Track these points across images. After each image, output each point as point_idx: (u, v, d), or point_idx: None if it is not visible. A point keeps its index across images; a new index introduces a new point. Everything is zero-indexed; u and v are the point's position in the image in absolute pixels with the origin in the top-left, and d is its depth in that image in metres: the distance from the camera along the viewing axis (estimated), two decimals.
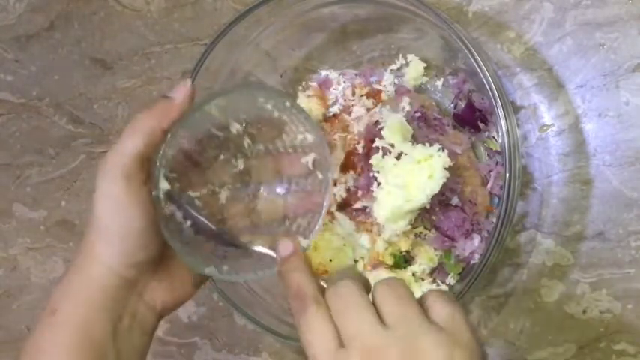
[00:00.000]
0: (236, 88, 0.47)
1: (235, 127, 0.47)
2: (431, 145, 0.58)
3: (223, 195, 0.48)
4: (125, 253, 0.44)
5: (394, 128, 0.60)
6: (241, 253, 0.48)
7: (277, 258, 0.45)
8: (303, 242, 0.47)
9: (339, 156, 0.67)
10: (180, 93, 0.45)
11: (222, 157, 0.48)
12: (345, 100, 0.69)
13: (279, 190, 0.50)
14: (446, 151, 0.57)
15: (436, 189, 0.56)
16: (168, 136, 0.43)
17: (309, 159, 0.49)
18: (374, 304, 0.40)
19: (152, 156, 0.44)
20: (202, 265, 0.46)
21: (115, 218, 0.44)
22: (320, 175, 0.48)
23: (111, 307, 0.45)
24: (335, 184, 0.67)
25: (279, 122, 0.48)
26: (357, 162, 0.64)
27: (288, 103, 0.47)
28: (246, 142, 0.48)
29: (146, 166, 0.44)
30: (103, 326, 0.44)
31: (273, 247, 0.46)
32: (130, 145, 0.43)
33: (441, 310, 0.39)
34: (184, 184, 0.46)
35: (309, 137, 0.48)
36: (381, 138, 0.61)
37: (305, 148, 0.49)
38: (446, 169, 0.56)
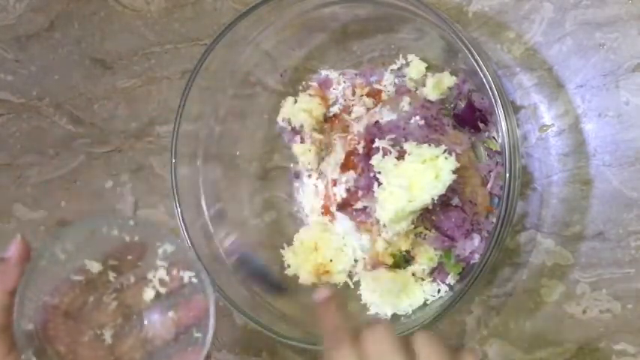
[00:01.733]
0: (69, 227, 0.45)
1: (95, 267, 0.46)
2: (436, 145, 0.58)
3: (107, 335, 0.47)
4: None
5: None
6: None
7: (315, 302, 0.46)
8: (203, 350, 0.46)
9: (339, 156, 0.67)
10: (14, 251, 0.44)
11: (91, 298, 0.47)
12: (345, 100, 0.69)
13: (163, 307, 0.48)
14: (453, 153, 0.57)
15: (442, 190, 0.56)
16: (17, 298, 0.42)
17: (178, 270, 0.48)
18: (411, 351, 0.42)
19: (8, 323, 0.42)
20: None
21: None
22: (195, 280, 0.47)
23: None
24: (335, 184, 0.67)
25: (137, 245, 0.47)
26: (357, 162, 0.64)
27: (132, 222, 0.46)
28: (112, 275, 0.47)
29: (6, 334, 0.42)
30: None
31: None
32: None
33: None
34: (60, 339, 0.45)
35: (168, 247, 0.47)
36: (381, 138, 0.61)
37: (170, 258, 0.48)
38: (453, 171, 0.56)
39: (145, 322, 0.48)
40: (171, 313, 0.48)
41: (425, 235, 0.62)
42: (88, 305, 0.47)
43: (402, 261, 0.64)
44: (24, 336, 0.43)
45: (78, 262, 0.46)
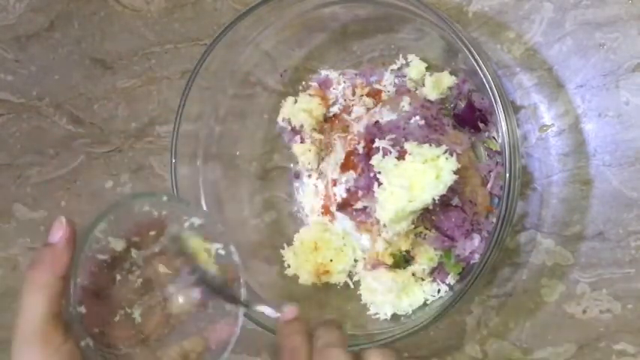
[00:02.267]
0: (112, 207, 0.45)
1: (119, 244, 0.46)
2: (437, 145, 0.58)
3: (136, 313, 0.47)
4: None
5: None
6: None
7: (280, 320, 0.46)
8: (241, 312, 0.47)
9: (339, 156, 0.67)
10: (59, 235, 0.43)
11: (118, 277, 0.46)
12: (345, 100, 0.69)
13: (186, 281, 0.48)
14: (454, 154, 0.57)
15: (443, 190, 0.56)
16: (72, 282, 0.42)
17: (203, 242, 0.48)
18: None
19: (63, 310, 0.42)
20: None
21: None
22: (222, 251, 0.48)
23: None
24: (335, 184, 0.67)
25: (159, 219, 0.47)
26: (357, 162, 0.64)
27: (165, 198, 0.46)
28: (134, 252, 0.47)
29: (59, 321, 0.42)
30: None
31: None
32: (35, 307, 0.41)
33: None
34: (93, 321, 0.44)
35: (196, 220, 0.47)
36: (381, 138, 0.61)
37: (196, 231, 0.48)
38: (454, 172, 0.56)
39: (168, 297, 0.48)
40: (198, 283, 0.48)
41: (425, 235, 0.62)
42: (115, 284, 0.46)
43: (402, 261, 0.64)
44: (80, 321, 0.42)
45: (104, 242, 0.45)
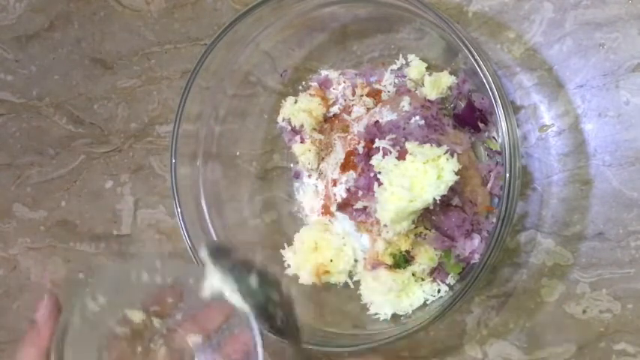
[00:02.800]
0: (97, 275, 0.45)
1: (137, 316, 0.45)
2: (438, 145, 0.58)
3: None
4: None
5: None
6: None
7: None
8: None
9: (339, 156, 0.67)
10: (42, 311, 0.44)
11: (139, 348, 0.46)
12: (345, 100, 0.69)
13: (212, 346, 0.48)
14: (455, 155, 0.57)
15: (444, 190, 0.56)
16: (53, 356, 0.42)
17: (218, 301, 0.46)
18: None
19: None
20: None
21: None
22: (237, 306, 0.46)
23: None
24: (335, 184, 0.67)
25: (171, 285, 0.46)
26: (357, 162, 0.64)
27: (158, 263, 0.45)
28: (156, 322, 0.46)
29: None
30: None
31: None
32: None
33: None
34: None
35: (204, 276, 0.46)
36: (381, 138, 0.61)
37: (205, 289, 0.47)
38: (455, 172, 0.56)
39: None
40: (221, 351, 0.47)
41: (425, 235, 0.62)
42: (137, 356, 0.46)
43: (402, 261, 0.64)
44: None
45: (117, 314, 0.45)
